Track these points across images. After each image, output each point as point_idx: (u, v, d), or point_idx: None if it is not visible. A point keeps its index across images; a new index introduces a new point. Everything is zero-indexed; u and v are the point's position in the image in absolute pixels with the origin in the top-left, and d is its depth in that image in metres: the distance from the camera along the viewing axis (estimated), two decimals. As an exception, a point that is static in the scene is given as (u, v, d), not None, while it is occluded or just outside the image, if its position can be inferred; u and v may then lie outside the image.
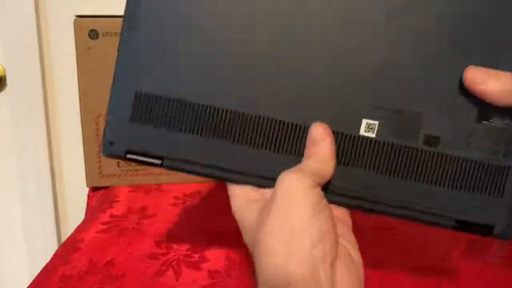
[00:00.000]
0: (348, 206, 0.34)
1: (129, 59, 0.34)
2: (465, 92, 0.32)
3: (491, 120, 0.33)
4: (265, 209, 0.31)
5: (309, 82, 0.34)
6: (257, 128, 0.34)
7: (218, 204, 0.62)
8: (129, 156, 0.35)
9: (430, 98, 0.33)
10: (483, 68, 0.31)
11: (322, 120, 0.33)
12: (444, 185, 0.34)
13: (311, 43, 0.33)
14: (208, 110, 0.34)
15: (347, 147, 0.34)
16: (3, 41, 0.82)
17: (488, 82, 0.31)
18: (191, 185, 0.67)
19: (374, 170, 0.34)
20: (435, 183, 0.34)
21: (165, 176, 0.68)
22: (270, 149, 0.34)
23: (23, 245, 0.91)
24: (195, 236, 0.52)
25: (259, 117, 0.34)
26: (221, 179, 0.35)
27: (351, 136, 0.34)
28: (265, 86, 0.34)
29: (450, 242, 0.50)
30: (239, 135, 0.34)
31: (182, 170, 0.35)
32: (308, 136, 0.33)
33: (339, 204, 0.34)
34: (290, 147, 0.34)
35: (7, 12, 0.80)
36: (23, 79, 0.84)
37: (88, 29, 0.62)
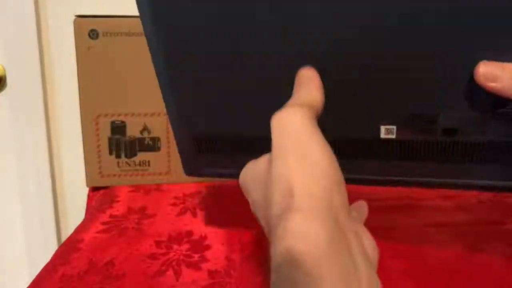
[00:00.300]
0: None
1: (178, 111, 0.39)
2: (479, 86, 0.32)
3: (508, 107, 0.33)
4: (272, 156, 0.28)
5: (329, 96, 0.34)
6: None
7: (218, 204, 0.62)
8: (205, 175, 0.42)
9: (444, 97, 0.33)
10: (495, 63, 0.31)
11: (344, 130, 0.35)
12: (464, 163, 0.35)
13: (328, 60, 0.34)
14: (255, 139, 0.37)
15: (371, 148, 0.36)
16: (3, 41, 0.82)
17: (500, 79, 0.30)
18: (191, 185, 0.67)
19: (399, 159, 0.36)
20: (456, 162, 0.35)
21: (165, 176, 0.68)
22: None
23: (23, 245, 0.91)
24: (195, 236, 0.52)
25: None
26: None
27: (373, 140, 0.35)
28: None
29: (450, 241, 0.50)
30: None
31: None
32: (296, 79, 0.32)
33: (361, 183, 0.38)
34: None
35: (7, 12, 0.80)
36: (23, 79, 0.84)
37: (88, 29, 0.62)
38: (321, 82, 0.32)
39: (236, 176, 0.39)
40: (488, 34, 0.31)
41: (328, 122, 0.34)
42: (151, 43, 0.37)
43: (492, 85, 0.31)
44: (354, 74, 0.34)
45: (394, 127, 0.35)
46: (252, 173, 0.31)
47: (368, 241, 0.28)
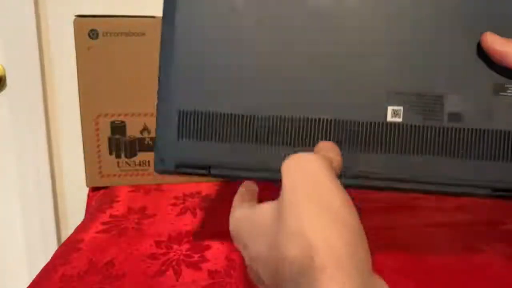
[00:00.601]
0: (380, 189, 0.36)
1: (169, 82, 0.38)
2: (480, 68, 0.34)
3: (508, 91, 0.35)
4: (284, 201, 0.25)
5: (334, 78, 0.36)
6: (293, 128, 0.36)
7: (218, 204, 0.62)
8: (178, 170, 0.38)
9: (448, 79, 0.35)
10: (499, 36, 0.34)
11: (350, 111, 0.36)
12: (474, 157, 0.35)
13: (332, 41, 0.36)
14: (245, 118, 0.37)
15: (378, 134, 0.36)
16: (3, 41, 0.82)
17: (508, 46, 0.33)
18: (191, 185, 0.67)
19: (406, 152, 0.36)
20: (465, 156, 0.35)
21: (165, 176, 0.68)
22: (308, 145, 0.36)
23: (23, 245, 0.91)
24: (195, 236, 0.52)
25: (294, 118, 0.36)
26: (264, 179, 0.36)
27: (380, 123, 0.36)
28: (295, 89, 0.36)
29: (450, 241, 0.50)
30: (276, 137, 0.36)
31: (227, 176, 0.38)
32: (314, 149, 0.31)
33: (372, 188, 0.36)
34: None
35: (7, 12, 0.80)
36: (23, 79, 0.84)
37: (88, 29, 0.62)
38: (340, 152, 0.30)
39: (211, 163, 0.37)
40: (493, 19, 0.34)
41: (336, 102, 0.36)
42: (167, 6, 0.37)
43: (500, 49, 0.33)
44: (363, 50, 0.35)
45: (401, 107, 0.35)
46: (249, 221, 0.28)
47: None
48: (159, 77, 0.38)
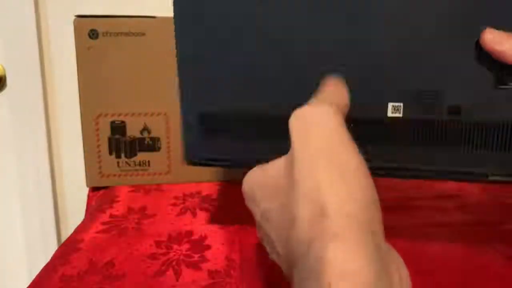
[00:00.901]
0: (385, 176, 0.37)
1: (188, 85, 0.39)
2: (480, 61, 0.35)
3: (509, 84, 0.35)
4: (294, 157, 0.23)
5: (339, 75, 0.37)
6: None
7: (218, 204, 0.62)
8: (204, 162, 0.41)
9: (447, 73, 0.35)
10: (499, 31, 0.33)
11: (352, 109, 0.36)
12: (474, 148, 0.36)
13: (333, 39, 0.36)
14: (267, 118, 0.38)
15: (379, 129, 0.36)
16: (3, 41, 0.82)
17: (506, 43, 0.32)
18: (191, 185, 0.67)
19: (406, 145, 0.36)
20: (465, 146, 0.36)
21: (165, 176, 0.68)
22: None
23: (23, 245, 0.91)
24: (195, 236, 0.52)
25: None
26: None
27: (380, 119, 0.36)
28: (305, 88, 0.37)
29: (450, 241, 0.50)
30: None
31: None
32: (321, 85, 0.30)
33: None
34: None
35: (7, 12, 0.80)
36: (23, 79, 0.84)
37: (88, 29, 0.62)
38: (346, 91, 0.29)
39: (238, 162, 0.39)
40: (491, 14, 0.34)
41: None
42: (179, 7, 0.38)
43: (499, 48, 0.33)
44: (361, 50, 0.36)
45: (401, 104, 0.36)
46: (261, 179, 0.27)
47: (404, 271, 0.24)
48: (179, 81, 0.40)
